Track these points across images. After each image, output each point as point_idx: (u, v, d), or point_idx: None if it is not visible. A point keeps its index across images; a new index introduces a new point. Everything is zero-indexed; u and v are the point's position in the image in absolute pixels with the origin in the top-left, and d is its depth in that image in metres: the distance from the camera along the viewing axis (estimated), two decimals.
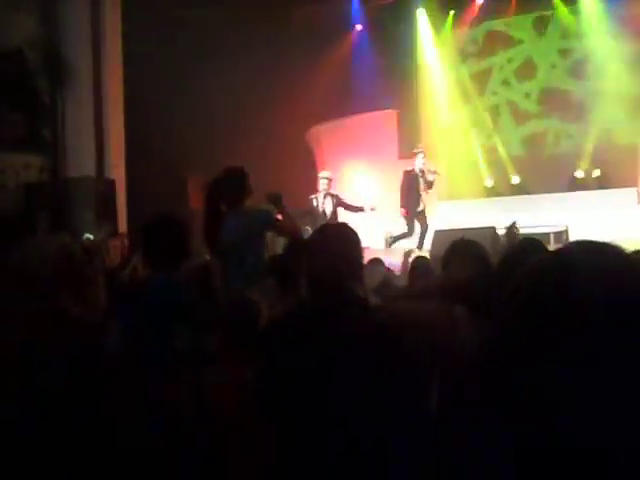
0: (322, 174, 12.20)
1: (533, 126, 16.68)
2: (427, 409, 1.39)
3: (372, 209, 11.72)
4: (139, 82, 12.20)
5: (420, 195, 12.49)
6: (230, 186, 5.11)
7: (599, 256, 1.10)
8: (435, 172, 12.60)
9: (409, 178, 12.55)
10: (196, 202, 14.31)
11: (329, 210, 11.54)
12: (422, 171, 12.46)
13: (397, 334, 2.02)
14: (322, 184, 11.80)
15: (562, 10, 15.81)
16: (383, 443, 1.85)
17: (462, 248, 3.09)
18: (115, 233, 10.54)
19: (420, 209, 12.48)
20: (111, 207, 11.14)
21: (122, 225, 11.11)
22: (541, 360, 1.05)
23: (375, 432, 1.90)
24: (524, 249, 2.55)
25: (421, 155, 12.57)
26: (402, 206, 12.51)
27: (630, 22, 14.95)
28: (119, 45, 12.00)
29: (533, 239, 3.14)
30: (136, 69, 12.24)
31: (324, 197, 11.64)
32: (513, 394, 1.09)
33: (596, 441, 1.00)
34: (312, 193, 12.24)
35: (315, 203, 11.60)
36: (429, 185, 12.54)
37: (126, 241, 7.81)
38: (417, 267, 5.43)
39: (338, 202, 11.68)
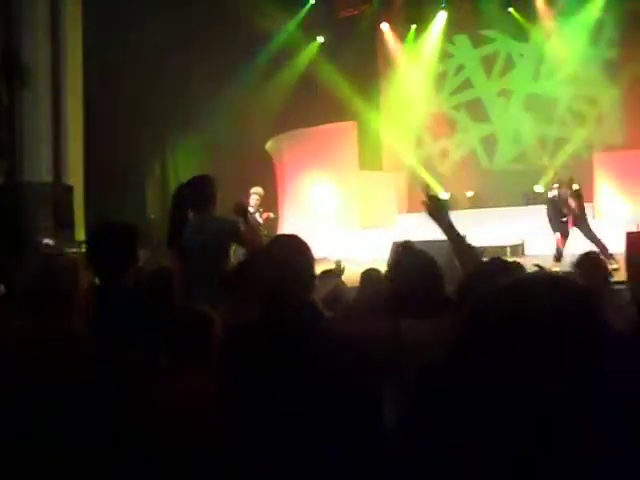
0: (254, 190, 11.91)
1: (487, 133, 17.01)
2: (381, 421, 1.43)
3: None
4: (99, 87, 12.11)
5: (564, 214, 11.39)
6: (198, 193, 5.12)
7: (553, 287, 1.16)
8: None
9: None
10: (154, 209, 14.24)
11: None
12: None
13: (347, 350, 2.06)
14: (253, 199, 11.71)
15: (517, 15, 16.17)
16: (344, 453, 1.88)
17: (409, 257, 3.12)
18: (72, 240, 10.42)
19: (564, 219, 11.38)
20: (69, 214, 11.00)
21: (80, 232, 10.98)
22: (499, 376, 1.09)
23: (335, 443, 1.92)
24: (489, 270, 2.58)
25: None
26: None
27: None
28: (79, 48, 11.89)
29: (500, 260, 3.15)
30: (96, 74, 12.14)
31: (254, 212, 11.56)
32: (476, 407, 1.12)
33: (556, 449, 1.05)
34: (271, 202, 12.23)
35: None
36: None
37: (83, 248, 7.73)
38: (367, 279, 5.45)
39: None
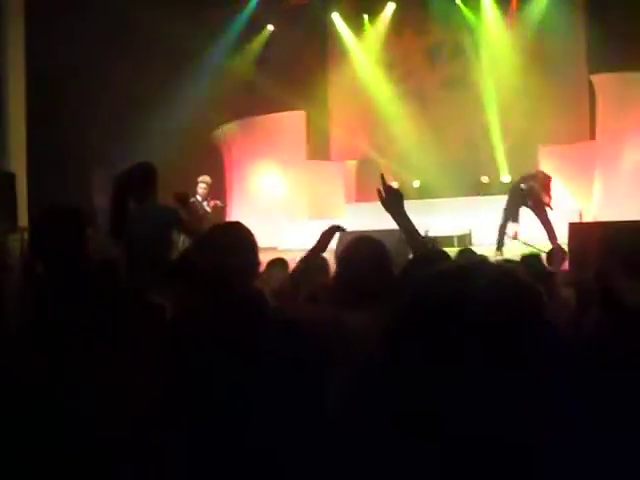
0: (202, 178, 11.72)
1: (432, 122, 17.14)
2: (321, 409, 1.43)
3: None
4: (44, 73, 11.87)
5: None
6: (138, 181, 5.07)
7: (495, 274, 1.18)
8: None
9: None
10: (100, 198, 14.03)
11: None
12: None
13: (289, 338, 2.07)
14: (201, 188, 11.59)
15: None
16: (283, 442, 1.88)
17: (361, 246, 3.10)
18: (15, 228, 10.21)
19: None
20: (11, 201, 10.78)
21: (23, 220, 10.77)
22: (433, 363, 1.10)
23: (273, 429, 1.93)
24: (428, 258, 2.61)
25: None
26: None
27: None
28: (22, 32, 11.64)
29: (439, 250, 3.18)
30: (41, 60, 11.89)
31: (202, 201, 11.50)
32: (408, 393, 1.13)
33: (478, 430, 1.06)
34: (219, 192, 12.23)
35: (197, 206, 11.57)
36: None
37: (26, 236, 7.57)
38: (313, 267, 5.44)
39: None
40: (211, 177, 11.98)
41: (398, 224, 3.34)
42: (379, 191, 3.38)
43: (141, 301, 3.15)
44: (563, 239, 9.67)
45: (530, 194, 11.48)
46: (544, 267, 5.16)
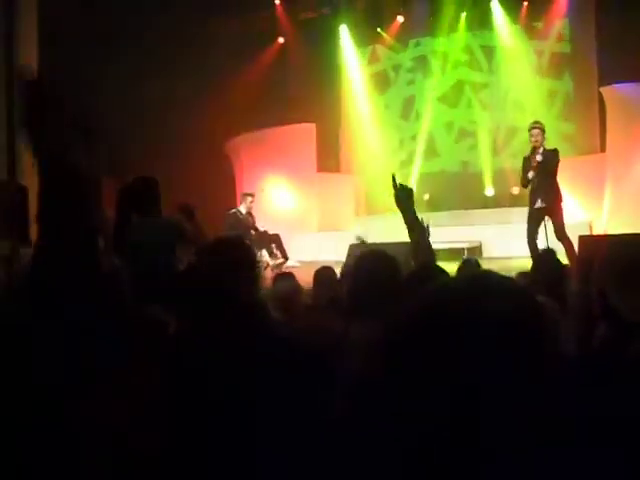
0: (249, 192, 12.80)
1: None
2: (323, 412, 1.45)
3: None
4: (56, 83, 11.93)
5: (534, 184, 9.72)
6: (141, 195, 5.10)
7: (498, 288, 1.17)
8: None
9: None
10: (109, 209, 14.07)
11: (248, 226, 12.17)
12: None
13: (284, 342, 2.09)
14: (247, 202, 12.49)
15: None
16: (285, 442, 1.89)
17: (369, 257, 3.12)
18: (26, 242, 10.24)
19: (538, 205, 9.53)
20: (22, 214, 10.80)
21: (34, 234, 10.77)
22: (432, 370, 1.10)
23: (276, 431, 1.94)
24: (428, 272, 2.63)
25: (535, 131, 9.79)
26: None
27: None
28: (34, 47, 11.72)
29: (437, 267, 3.20)
30: (52, 68, 11.96)
31: (246, 214, 12.10)
32: (404, 400, 1.13)
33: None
34: (230, 203, 12.47)
35: (239, 216, 12.11)
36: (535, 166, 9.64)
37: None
38: (321, 279, 5.44)
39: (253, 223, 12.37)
40: (222, 188, 12.23)
41: (409, 224, 3.43)
42: (394, 188, 3.56)
43: (143, 314, 3.17)
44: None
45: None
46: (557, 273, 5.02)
